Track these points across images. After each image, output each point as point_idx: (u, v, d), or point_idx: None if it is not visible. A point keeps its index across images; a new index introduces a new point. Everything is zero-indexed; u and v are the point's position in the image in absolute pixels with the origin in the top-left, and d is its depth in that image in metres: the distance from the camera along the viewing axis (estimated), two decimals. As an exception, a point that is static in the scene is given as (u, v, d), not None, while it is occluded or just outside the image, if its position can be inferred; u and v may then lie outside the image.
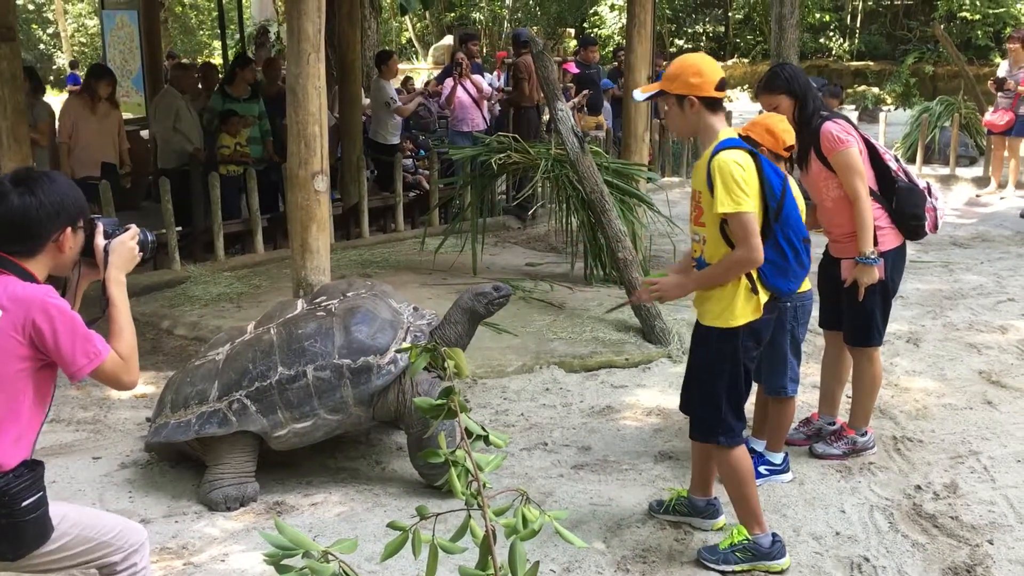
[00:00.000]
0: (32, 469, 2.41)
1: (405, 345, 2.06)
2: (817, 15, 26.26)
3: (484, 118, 10.48)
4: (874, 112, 16.66)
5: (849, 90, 22.64)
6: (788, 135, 3.83)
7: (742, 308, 3.26)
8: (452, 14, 28.70)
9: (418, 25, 30.72)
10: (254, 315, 6.40)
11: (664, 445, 4.57)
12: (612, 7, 26.60)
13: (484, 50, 11.78)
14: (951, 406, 4.96)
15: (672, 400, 5.12)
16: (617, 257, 6.09)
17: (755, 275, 3.25)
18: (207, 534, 3.74)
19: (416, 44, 29.65)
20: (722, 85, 3.27)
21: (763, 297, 3.28)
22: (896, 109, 20.34)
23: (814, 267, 3.96)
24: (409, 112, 10.61)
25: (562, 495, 4.06)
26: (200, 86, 9.62)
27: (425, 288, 6.96)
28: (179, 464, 4.35)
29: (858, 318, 4.12)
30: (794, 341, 4.00)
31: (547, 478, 4.24)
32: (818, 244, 4.02)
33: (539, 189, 9.38)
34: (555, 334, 6.00)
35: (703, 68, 3.26)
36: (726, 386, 3.34)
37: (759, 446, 4.25)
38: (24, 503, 2.35)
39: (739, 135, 3.87)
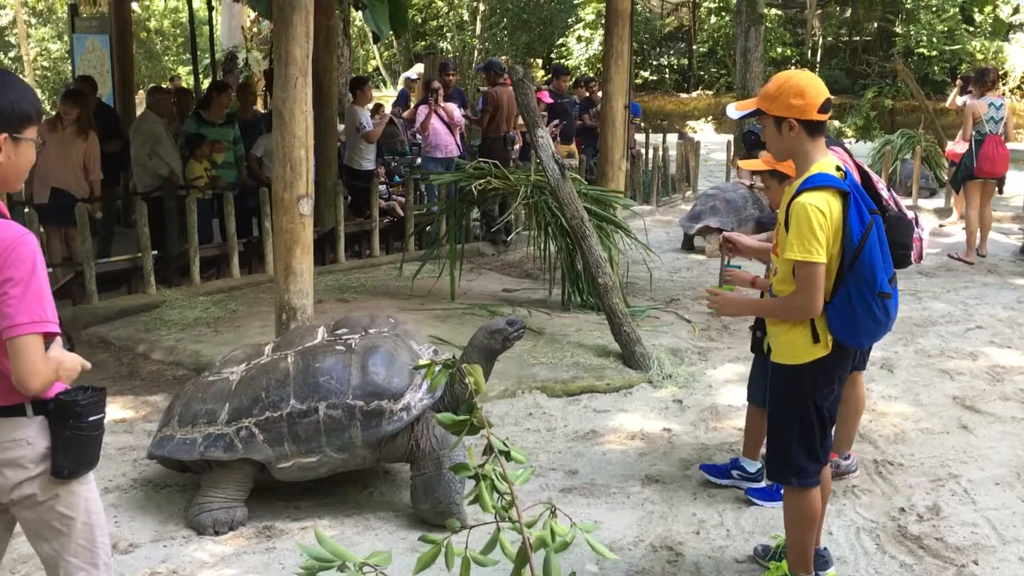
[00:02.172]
0: (97, 391, 2.45)
1: (423, 362, 2.07)
2: (779, 49, 26.79)
3: (458, 145, 10.56)
4: (836, 144, 16.95)
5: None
6: None
7: (806, 346, 3.10)
8: (422, 43, 28.89)
9: (385, 54, 30.86)
10: (232, 339, 6.39)
11: (650, 469, 4.60)
12: (579, 39, 26.95)
13: (454, 79, 11.84)
14: (928, 430, 5.06)
15: (655, 424, 5.18)
16: (597, 283, 6.14)
17: (818, 324, 3.07)
18: (197, 558, 3.69)
19: (384, 72, 29.76)
20: (826, 107, 3.03)
21: (827, 341, 3.08)
22: (857, 142, 20.79)
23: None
24: (377, 137, 10.62)
25: (552, 518, 4.06)
26: (175, 111, 9.56)
27: (404, 313, 6.94)
28: (164, 487, 4.31)
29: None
30: None
31: (535, 502, 4.23)
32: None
33: (514, 216, 9.45)
34: (536, 359, 6.03)
35: (806, 88, 3.01)
36: (797, 426, 3.18)
37: (751, 467, 4.30)
38: (90, 419, 2.39)
39: (776, 170, 3.88)
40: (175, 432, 3.93)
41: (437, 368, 2.05)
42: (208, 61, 17.44)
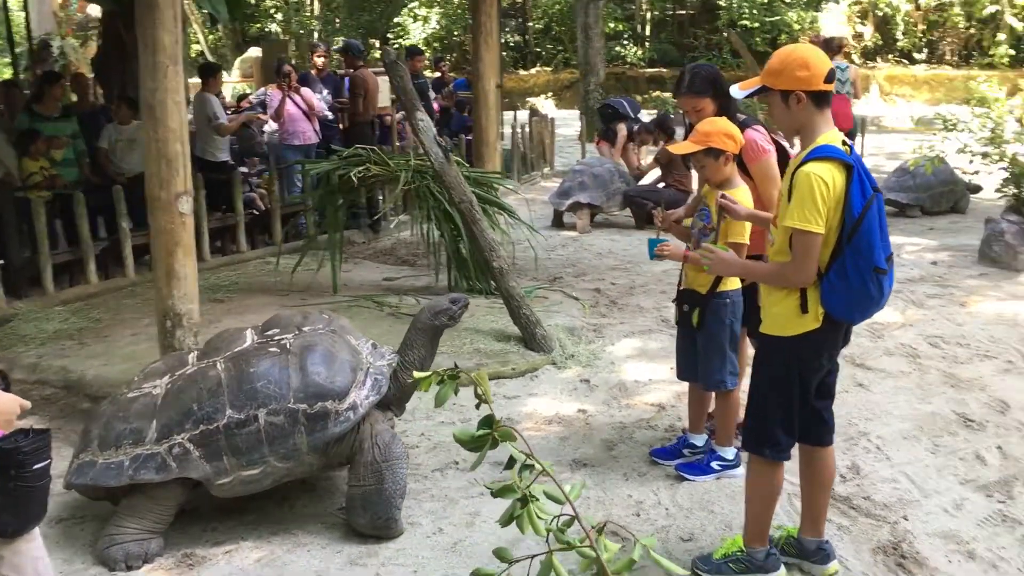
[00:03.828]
0: (40, 434, 2.19)
1: (418, 375, 1.89)
2: (611, 24, 27.30)
3: (316, 131, 10.15)
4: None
5: (645, 96, 23.68)
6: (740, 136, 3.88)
7: (795, 319, 3.07)
8: (257, 25, 27.76)
9: (210, 37, 29.51)
10: (101, 351, 5.93)
11: (575, 453, 4.54)
12: (415, 18, 26.60)
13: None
14: (829, 391, 5.21)
15: (568, 407, 5.12)
16: (492, 267, 6.02)
17: (810, 294, 3.04)
18: (114, 599, 3.37)
19: (209, 57, 28.45)
20: (831, 76, 3.01)
21: (817, 313, 3.05)
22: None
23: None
24: (229, 131, 10.08)
25: (490, 514, 3.94)
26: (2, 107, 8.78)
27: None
28: (60, 521, 3.91)
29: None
30: (732, 335, 4.06)
31: (469, 498, 4.11)
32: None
33: (382, 202, 9.19)
34: (435, 349, 5.85)
35: (810, 60, 2.99)
36: (778, 399, 3.16)
37: (699, 441, 4.31)
38: (35, 467, 2.15)
39: (712, 147, 3.83)
40: (96, 457, 3.54)
41: (438, 379, 1.88)
42: (21, 50, 16.15)
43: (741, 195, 3.96)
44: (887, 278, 3.01)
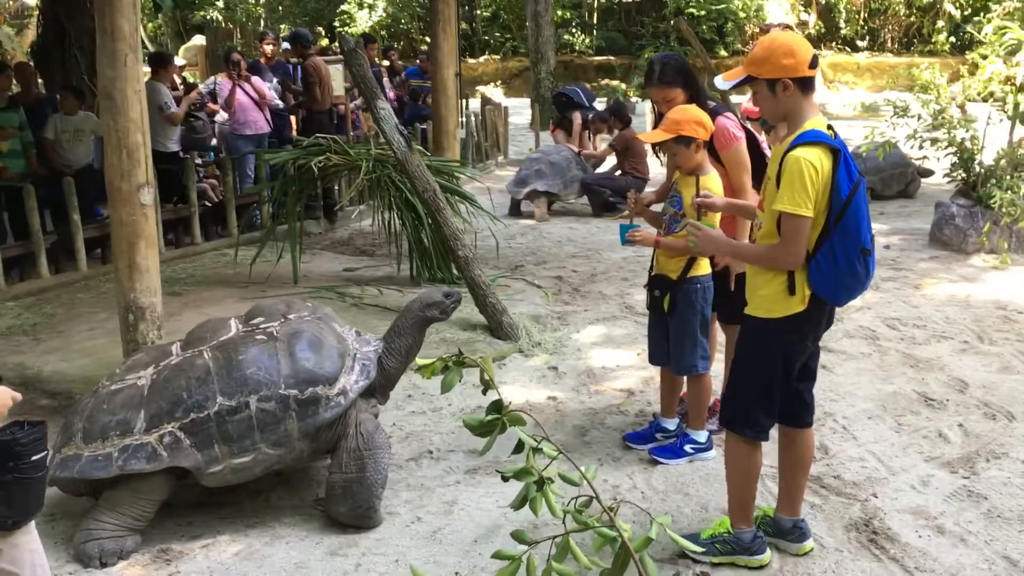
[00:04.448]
0: (36, 425, 2.18)
1: (422, 362, 1.89)
2: (559, 12, 27.35)
3: (267, 120, 10.02)
4: (632, 105, 17.50)
5: (594, 83, 23.78)
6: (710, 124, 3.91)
7: (782, 301, 3.11)
8: (200, 13, 27.24)
9: (150, 26, 28.92)
10: (58, 346, 5.81)
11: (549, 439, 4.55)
12: (361, 5, 26.35)
13: (274, 50, 11.21)
14: (793, 373, 5.31)
15: (538, 394, 5.15)
16: (457, 255, 6.01)
17: (797, 277, 3.07)
18: (92, 596, 3.31)
19: (149, 45, 27.88)
20: (815, 62, 3.03)
21: (803, 296, 3.09)
22: (643, 101, 21.56)
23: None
24: (180, 119, 9.87)
25: (467, 502, 3.95)
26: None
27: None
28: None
29: (732, 297, 4.29)
30: (703, 320, 4.11)
31: (445, 486, 4.11)
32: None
33: (338, 192, 9.12)
34: (401, 339, 5.83)
35: (795, 47, 3.02)
36: (759, 378, 3.21)
37: (671, 425, 4.35)
38: (33, 458, 2.15)
39: (683, 135, 3.85)
40: (81, 450, 3.48)
41: (443, 365, 1.88)
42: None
43: (712, 182, 4.00)
44: (872, 259, 3.07)
